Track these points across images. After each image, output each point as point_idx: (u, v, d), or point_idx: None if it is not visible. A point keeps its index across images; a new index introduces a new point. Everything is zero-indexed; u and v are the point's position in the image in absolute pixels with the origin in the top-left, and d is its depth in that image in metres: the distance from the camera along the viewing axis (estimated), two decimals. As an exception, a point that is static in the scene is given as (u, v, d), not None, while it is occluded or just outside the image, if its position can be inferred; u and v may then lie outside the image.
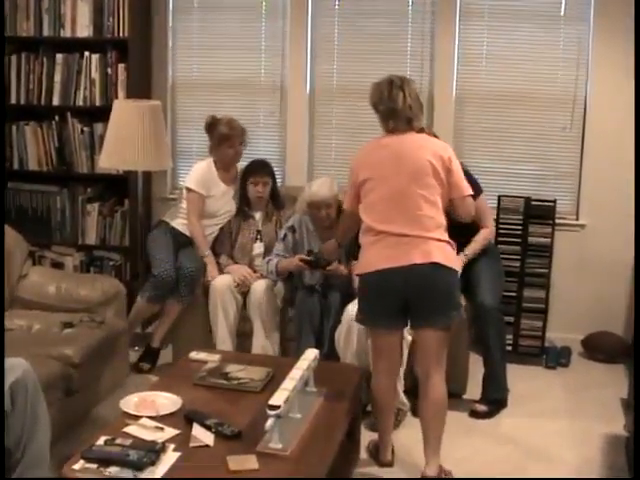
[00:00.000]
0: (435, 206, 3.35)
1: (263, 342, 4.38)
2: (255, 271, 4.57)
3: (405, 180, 3.33)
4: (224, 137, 4.65)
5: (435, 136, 3.89)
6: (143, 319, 4.88)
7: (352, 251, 3.94)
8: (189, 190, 4.68)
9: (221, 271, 4.58)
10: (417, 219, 3.32)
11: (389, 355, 3.50)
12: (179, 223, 4.76)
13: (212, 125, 4.70)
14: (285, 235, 4.47)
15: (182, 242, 4.72)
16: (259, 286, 4.41)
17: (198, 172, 4.70)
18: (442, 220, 3.38)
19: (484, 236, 4.32)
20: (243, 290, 4.47)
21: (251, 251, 4.69)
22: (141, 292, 4.68)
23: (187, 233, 4.72)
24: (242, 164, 4.82)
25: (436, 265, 3.29)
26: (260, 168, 4.68)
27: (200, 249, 4.61)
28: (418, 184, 3.33)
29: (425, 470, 3.44)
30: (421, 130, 3.55)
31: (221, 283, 4.46)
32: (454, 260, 3.41)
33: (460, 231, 3.76)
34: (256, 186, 4.64)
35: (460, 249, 3.99)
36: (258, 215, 4.74)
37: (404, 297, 3.33)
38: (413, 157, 3.36)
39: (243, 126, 4.75)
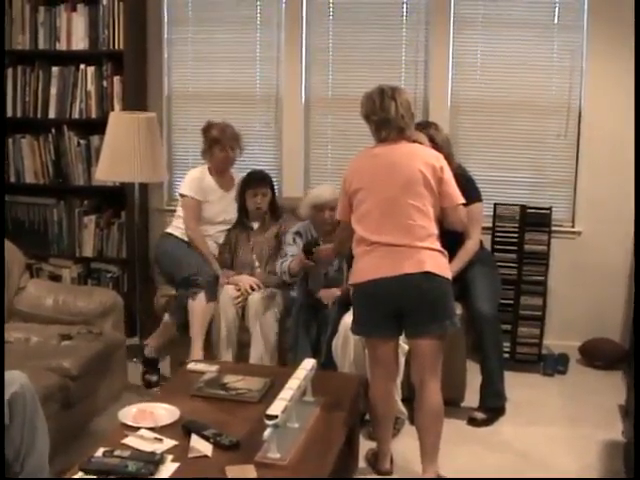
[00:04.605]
0: (427, 215, 3.35)
1: (261, 352, 4.37)
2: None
3: (396, 190, 3.34)
4: (214, 140, 4.68)
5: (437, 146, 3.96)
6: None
7: (350, 261, 3.95)
8: (183, 196, 4.70)
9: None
10: (409, 229, 3.32)
11: (385, 364, 3.51)
12: (181, 233, 4.72)
13: (207, 129, 4.73)
14: (294, 239, 4.48)
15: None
16: (257, 297, 4.42)
17: (191, 178, 4.72)
18: (434, 229, 3.38)
19: (466, 251, 4.23)
20: (244, 304, 4.46)
21: (252, 262, 4.70)
22: (178, 301, 4.57)
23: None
24: (240, 173, 4.82)
25: (428, 274, 3.29)
26: (259, 179, 4.70)
27: (210, 265, 4.57)
28: (409, 194, 3.33)
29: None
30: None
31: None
32: (446, 269, 3.40)
33: (453, 240, 3.76)
34: (255, 197, 4.65)
35: (453, 258, 3.98)
36: (257, 226, 4.75)
37: (397, 306, 3.34)
38: (404, 167, 3.36)
39: (238, 132, 4.77)
